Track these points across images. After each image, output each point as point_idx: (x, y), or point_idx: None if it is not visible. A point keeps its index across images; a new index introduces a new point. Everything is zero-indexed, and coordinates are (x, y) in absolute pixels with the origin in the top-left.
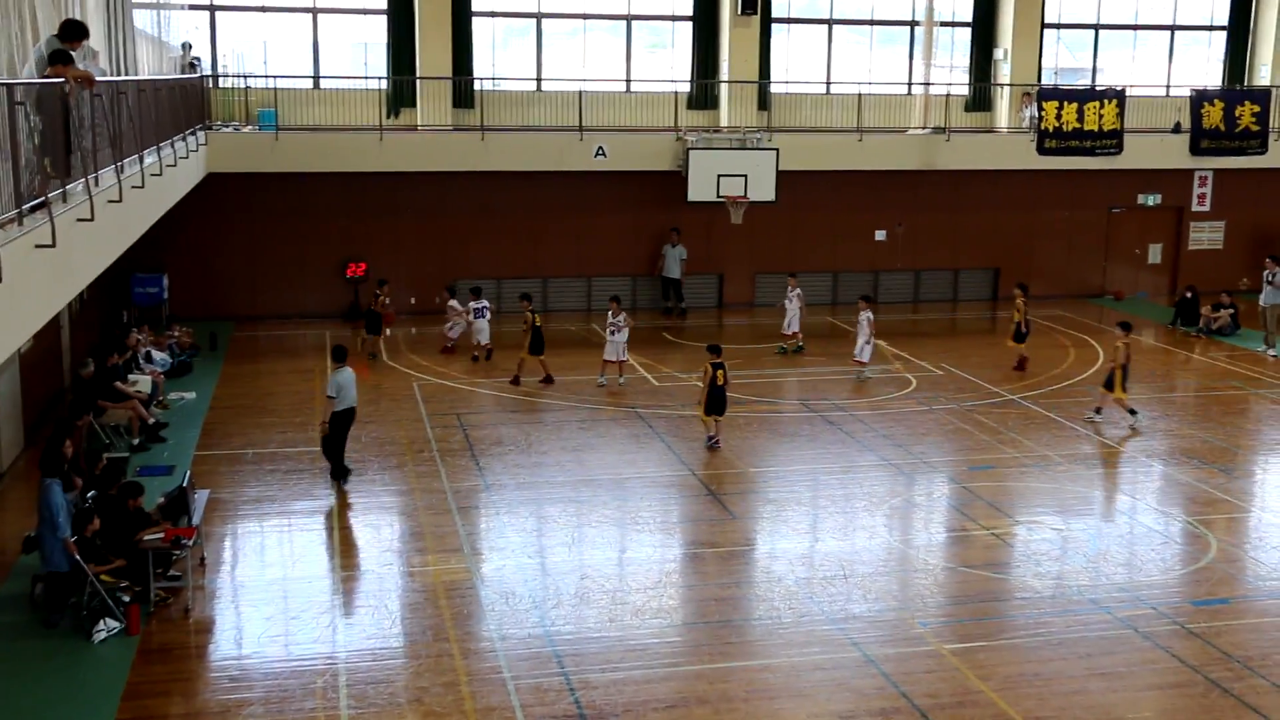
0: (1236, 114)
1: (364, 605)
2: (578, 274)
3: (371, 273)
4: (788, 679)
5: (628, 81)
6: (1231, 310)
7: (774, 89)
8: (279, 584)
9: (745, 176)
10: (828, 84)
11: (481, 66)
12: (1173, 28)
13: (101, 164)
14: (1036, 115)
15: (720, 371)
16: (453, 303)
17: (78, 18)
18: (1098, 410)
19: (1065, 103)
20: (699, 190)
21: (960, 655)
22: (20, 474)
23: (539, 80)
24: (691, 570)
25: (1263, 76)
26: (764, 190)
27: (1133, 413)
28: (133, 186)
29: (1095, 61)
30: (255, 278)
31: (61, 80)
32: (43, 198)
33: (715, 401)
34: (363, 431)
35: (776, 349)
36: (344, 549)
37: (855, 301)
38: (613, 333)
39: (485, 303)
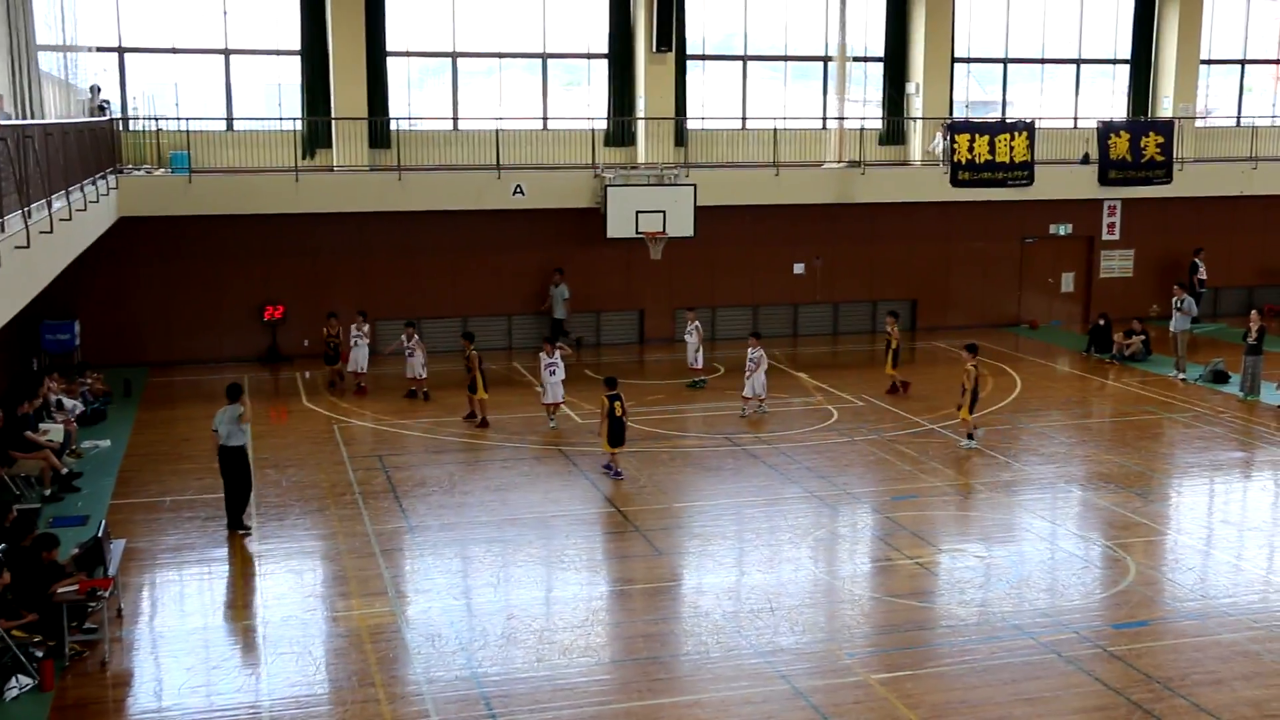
0: (1142, 145)
1: (288, 652)
2: (498, 312)
3: (290, 314)
4: (717, 714)
5: (544, 119)
6: (1143, 337)
7: (690, 125)
8: (200, 633)
9: (664, 212)
10: (743, 119)
11: (397, 106)
12: (1078, 61)
13: (8, 209)
14: (948, 145)
15: (617, 403)
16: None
17: None
18: (969, 435)
19: (976, 135)
20: (618, 227)
21: (888, 685)
22: None
23: (455, 119)
24: (618, 607)
25: (1165, 108)
26: (682, 226)
27: (970, 437)
28: (41, 232)
29: (1005, 94)
30: (170, 322)
31: None
32: None
33: (615, 433)
34: (284, 475)
35: (687, 384)
36: (266, 596)
37: (749, 339)
38: (551, 372)
39: (366, 329)
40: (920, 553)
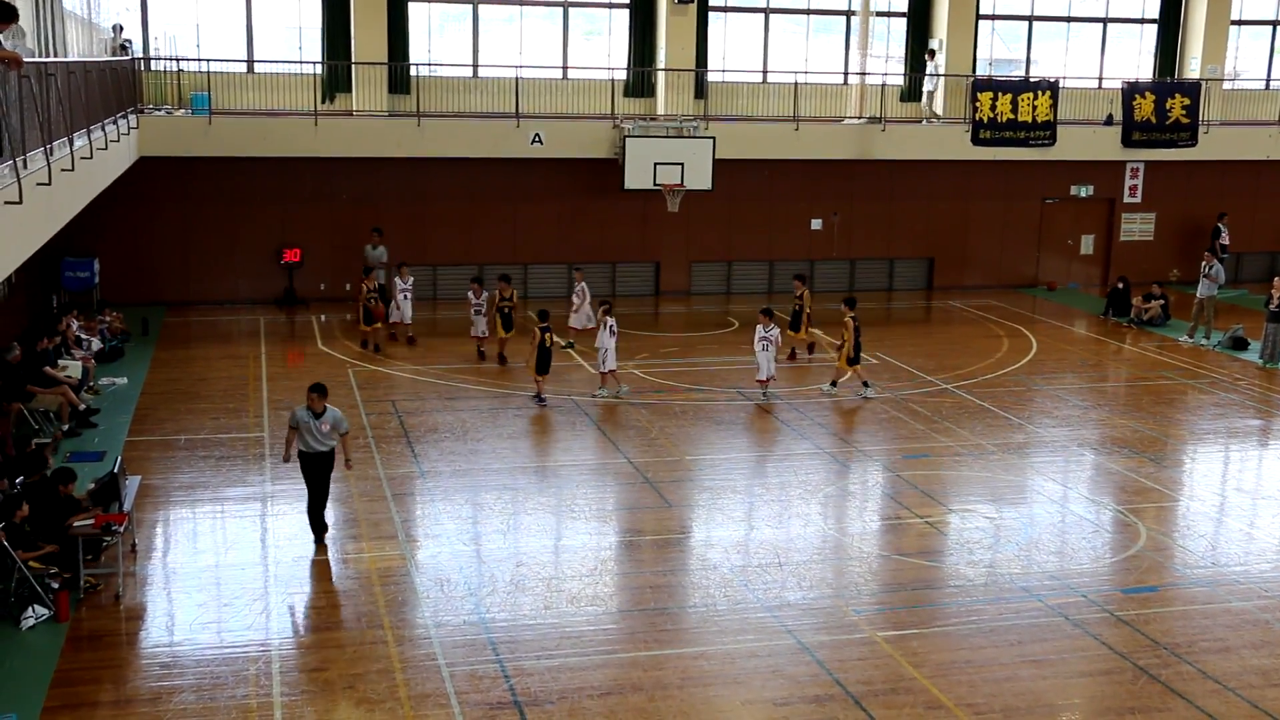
0: (1167, 106)
1: (298, 592)
2: (513, 260)
3: (307, 258)
4: (722, 666)
5: (564, 68)
6: (1162, 301)
7: (711, 77)
8: (211, 571)
9: (681, 165)
10: (764, 73)
11: (417, 52)
12: (1105, 20)
13: (30, 146)
14: (938, 72)
15: (547, 334)
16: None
17: None
18: (833, 384)
19: (999, 94)
20: (635, 178)
21: (893, 643)
22: None
23: (475, 66)
24: (627, 558)
25: (1193, 69)
26: (700, 178)
27: (866, 385)
28: (62, 170)
29: (1029, 53)
30: (188, 263)
31: None
32: None
33: (543, 362)
34: None
35: (562, 345)
36: (278, 536)
37: (759, 315)
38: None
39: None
40: (930, 512)
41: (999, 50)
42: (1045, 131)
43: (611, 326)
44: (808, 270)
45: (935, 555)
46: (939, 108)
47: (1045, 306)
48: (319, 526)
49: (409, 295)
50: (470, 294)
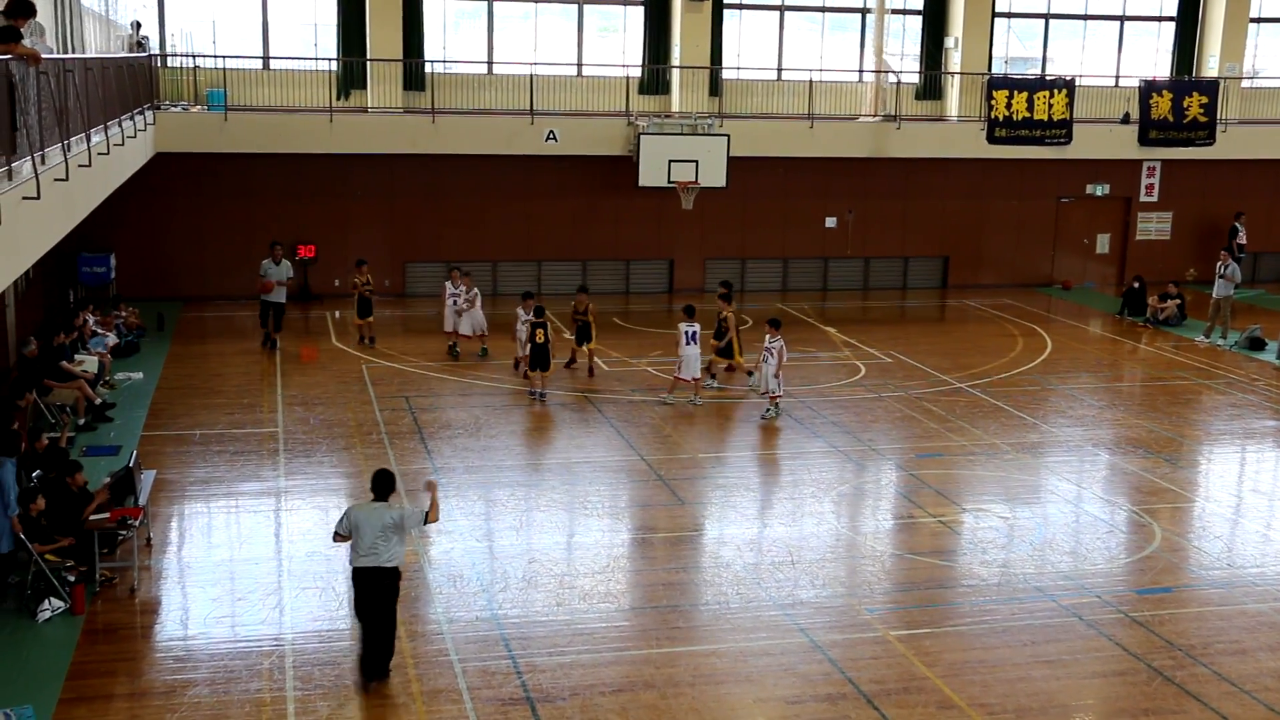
0: (1185, 105)
1: (311, 587)
2: (527, 258)
3: (321, 254)
4: (734, 664)
5: (579, 65)
6: (1179, 301)
7: (725, 75)
8: (226, 565)
9: (696, 162)
10: (779, 70)
11: (432, 49)
12: (1122, 18)
13: (48, 142)
14: (896, 77)
15: (540, 330)
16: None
17: None
18: (750, 373)
19: (1015, 92)
20: (650, 175)
21: (906, 642)
22: None
23: (490, 63)
24: (639, 555)
25: (1211, 67)
26: (715, 176)
27: (750, 374)
28: (80, 165)
29: (1045, 51)
30: (204, 258)
31: (7, 57)
32: None
33: (539, 358)
34: (311, 413)
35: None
36: (291, 531)
37: (767, 326)
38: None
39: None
40: (943, 511)
41: (1015, 48)
42: (1061, 130)
43: (692, 334)
44: (822, 269)
45: (949, 554)
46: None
47: (1060, 305)
48: (374, 670)
49: (458, 301)
50: (448, 283)
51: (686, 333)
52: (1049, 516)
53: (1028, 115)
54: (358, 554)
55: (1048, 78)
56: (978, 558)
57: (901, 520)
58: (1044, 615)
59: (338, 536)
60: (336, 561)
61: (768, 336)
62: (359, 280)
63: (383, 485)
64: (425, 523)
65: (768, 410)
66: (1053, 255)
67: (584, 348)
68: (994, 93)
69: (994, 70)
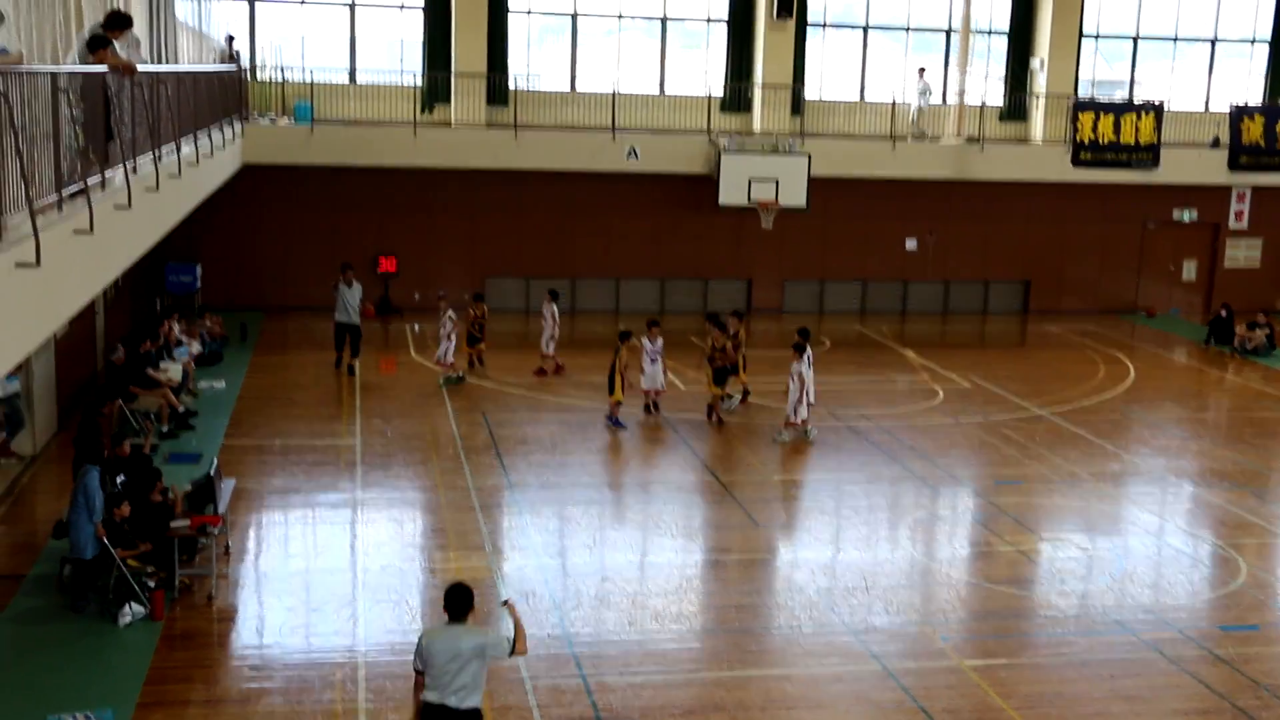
0: (1277, 129)
1: (385, 600)
2: (606, 275)
3: (403, 267)
4: (806, 689)
5: (661, 83)
6: (1267, 330)
7: (808, 94)
8: (301, 575)
9: (777, 181)
10: (862, 90)
11: (516, 64)
12: (1214, 40)
13: (140, 152)
14: (928, 90)
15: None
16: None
17: (122, 9)
18: (736, 398)
19: (1102, 114)
20: (730, 194)
21: (981, 672)
22: (53, 457)
23: (573, 79)
24: (712, 577)
25: None
26: (795, 196)
27: (728, 397)
28: (169, 176)
29: (1134, 73)
30: (287, 269)
31: (104, 69)
32: (82, 184)
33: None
34: (389, 425)
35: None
36: (367, 543)
37: (793, 351)
38: (653, 360)
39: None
40: (1021, 540)
41: (1102, 70)
42: (1148, 154)
43: (810, 359)
44: (901, 291)
45: (1026, 584)
46: (926, 127)
47: (1144, 333)
48: None
49: (657, 359)
50: (543, 307)
51: (807, 359)
52: (1130, 548)
53: (1114, 139)
54: (428, 685)
55: (1136, 100)
56: (1056, 588)
57: (978, 548)
58: (1124, 649)
59: (418, 674)
60: (411, 575)
61: (794, 363)
62: (475, 313)
63: (458, 603)
64: (512, 653)
65: (779, 434)
66: (1137, 281)
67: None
68: (1080, 115)
69: (1080, 92)
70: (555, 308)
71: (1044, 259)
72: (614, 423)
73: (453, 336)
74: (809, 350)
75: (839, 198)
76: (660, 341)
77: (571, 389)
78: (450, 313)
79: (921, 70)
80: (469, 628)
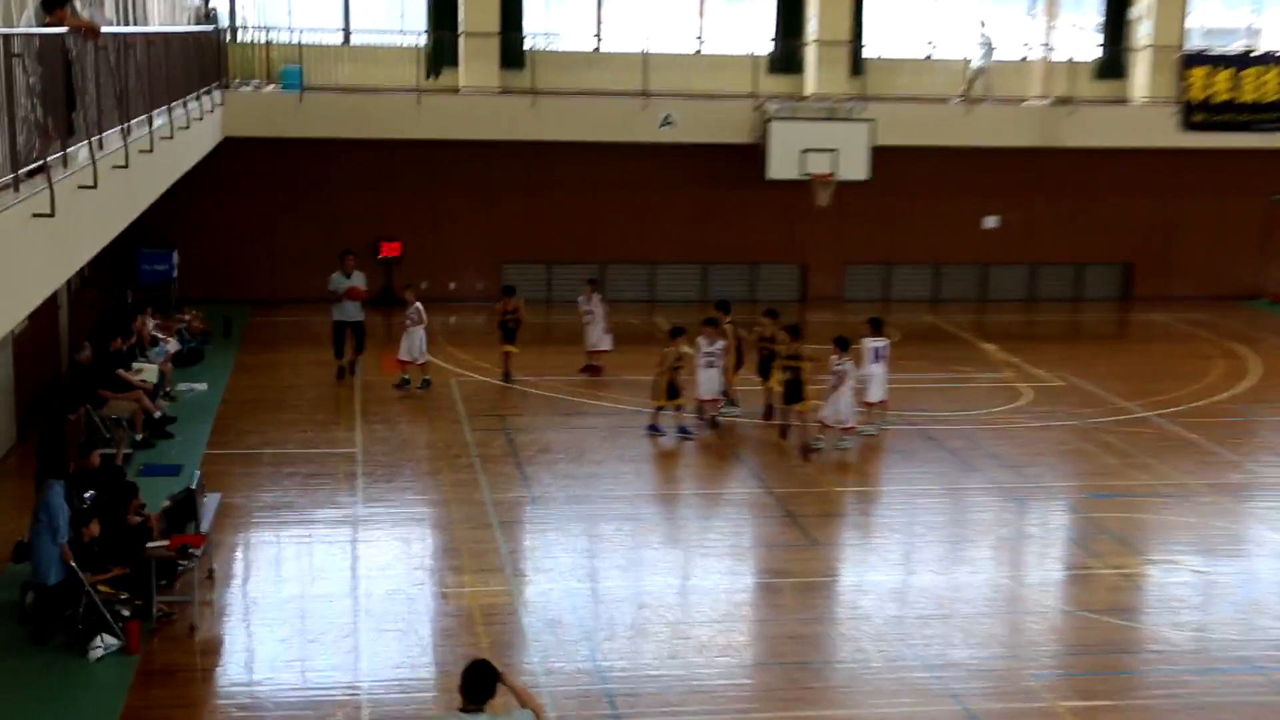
0: None
1: (391, 629)
2: (639, 260)
3: (407, 253)
4: None
5: (699, 41)
6: None
7: (868, 52)
8: (296, 602)
9: (834, 152)
10: (931, 47)
11: (533, 22)
12: None
13: (106, 125)
14: (986, 57)
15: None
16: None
17: None
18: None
19: (1216, 69)
20: (780, 167)
21: (1080, 715)
22: (12, 470)
23: (598, 38)
24: (765, 603)
25: None
26: (855, 168)
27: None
28: (141, 151)
29: (1255, 21)
30: (275, 257)
31: (64, 30)
32: (41, 161)
33: (673, 386)
34: (394, 432)
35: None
36: (370, 565)
37: (833, 347)
38: (709, 363)
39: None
40: (1125, 562)
41: (1216, 16)
42: (1273, 114)
43: (880, 350)
44: (980, 276)
45: (1131, 614)
46: (986, 88)
47: (1269, 321)
48: None
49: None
50: (581, 298)
51: (873, 349)
52: (1255, 572)
53: (1232, 97)
54: None
55: (1257, 52)
56: (1167, 619)
57: (1074, 571)
58: (1251, 691)
59: None
60: (420, 601)
61: (833, 357)
62: (505, 308)
63: (478, 686)
64: None
65: (841, 441)
66: (1261, 263)
67: (794, 407)
68: (1190, 70)
69: (1190, 43)
70: (600, 298)
71: (1148, 238)
72: (655, 430)
73: (422, 335)
74: (876, 340)
75: (906, 169)
76: (721, 344)
77: (601, 389)
78: (418, 305)
79: (982, 23)
80: (491, 717)
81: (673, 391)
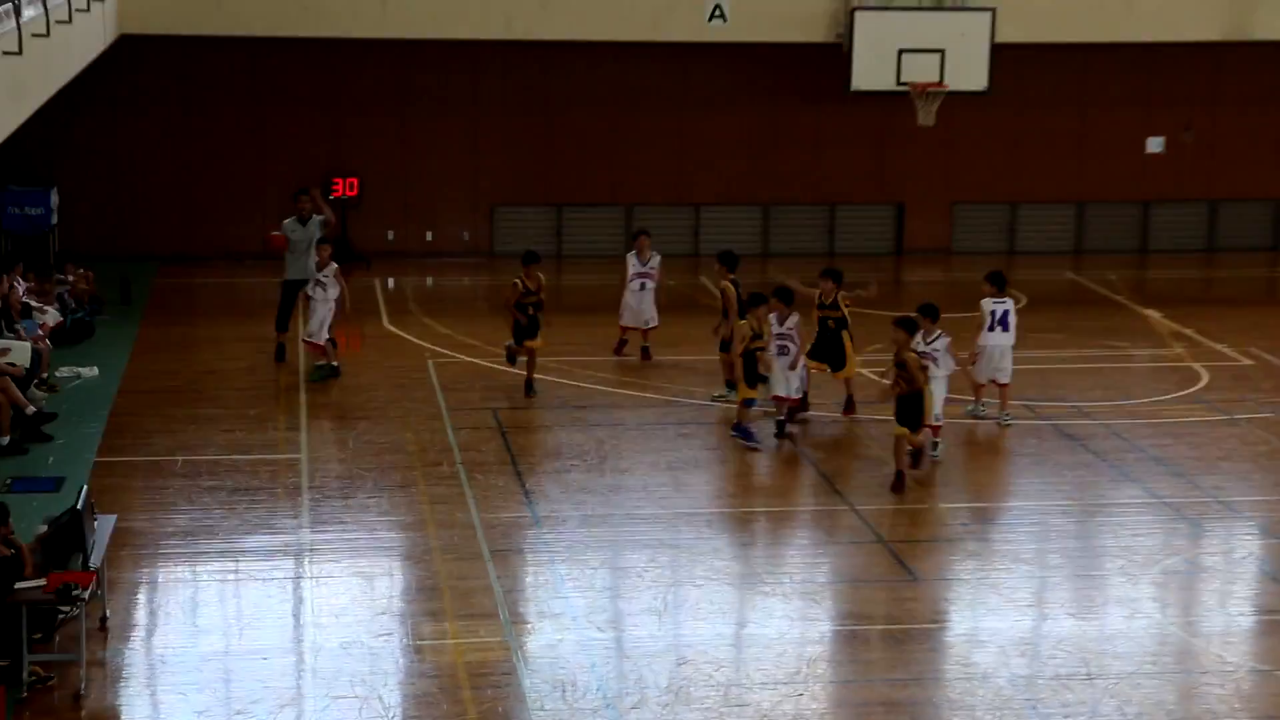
0: None
1: (347, 696)
2: (679, 201)
3: (367, 193)
4: None
5: None
6: None
7: None
8: (219, 660)
9: (941, 53)
10: None
11: None
12: None
13: None
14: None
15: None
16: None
17: None
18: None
19: None
20: (868, 74)
21: None
22: None
23: None
24: (848, 658)
25: None
26: (970, 74)
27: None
28: (4, 53)
29: None
30: (190, 199)
31: None
32: None
33: (751, 370)
34: (352, 432)
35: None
36: (319, 610)
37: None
38: (780, 350)
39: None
40: None
41: None
42: None
43: (1003, 313)
44: (1140, 216)
45: None
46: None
47: None
48: None
49: (649, 282)
50: (632, 256)
51: (993, 312)
52: None
53: None
54: None
55: None
56: None
57: (1269, 616)
58: None
59: None
60: (386, 658)
61: (921, 334)
62: (523, 286)
63: None
64: None
65: (936, 446)
66: None
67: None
68: None
69: None
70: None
71: None
72: (743, 435)
73: (334, 305)
74: (999, 300)
75: (1039, 76)
76: (795, 320)
77: (626, 373)
78: (334, 267)
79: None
80: None
81: (753, 376)
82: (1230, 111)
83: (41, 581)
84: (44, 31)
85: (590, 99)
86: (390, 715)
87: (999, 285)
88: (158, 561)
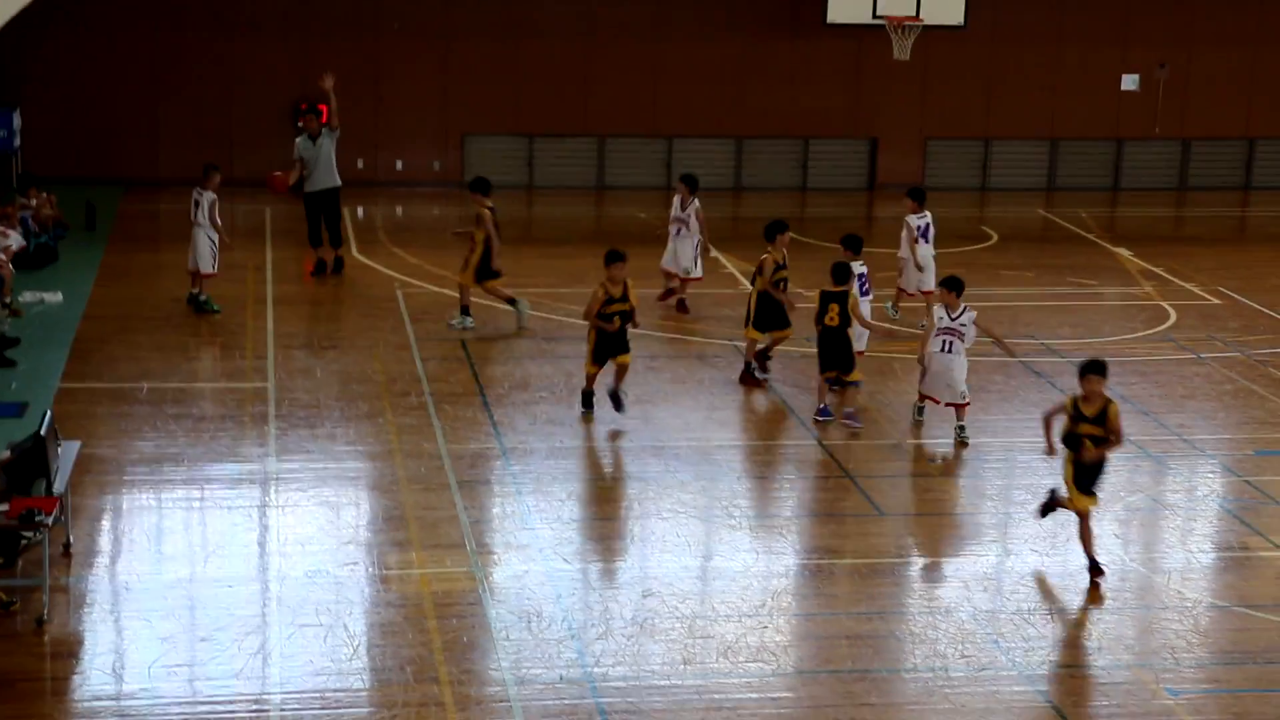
0: None
1: (311, 624)
2: (650, 132)
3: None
4: None
5: None
6: None
7: None
8: (183, 587)
9: None
10: None
11: None
12: None
13: None
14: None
15: (835, 305)
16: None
17: None
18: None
19: None
20: (845, 6)
21: None
22: None
23: None
24: (813, 591)
25: None
26: (947, 9)
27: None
28: None
29: None
30: (157, 122)
31: None
32: None
33: (766, 316)
34: (319, 361)
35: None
36: (285, 538)
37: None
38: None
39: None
40: None
41: None
42: None
43: (924, 227)
44: (1113, 156)
45: None
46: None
47: None
48: None
49: (691, 226)
50: (677, 202)
51: (918, 226)
52: None
53: None
54: None
55: None
56: None
57: (1228, 553)
58: None
59: None
60: (351, 587)
61: (945, 308)
62: (607, 291)
63: None
64: None
65: (961, 429)
66: None
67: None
68: None
69: None
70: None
71: None
72: (752, 373)
73: (212, 231)
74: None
75: (1015, 12)
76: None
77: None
78: (204, 192)
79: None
80: None
81: (781, 319)
82: (1204, 49)
83: (4, 506)
84: None
85: (564, 28)
86: (355, 644)
87: (919, 200)
88: (122, 488)
